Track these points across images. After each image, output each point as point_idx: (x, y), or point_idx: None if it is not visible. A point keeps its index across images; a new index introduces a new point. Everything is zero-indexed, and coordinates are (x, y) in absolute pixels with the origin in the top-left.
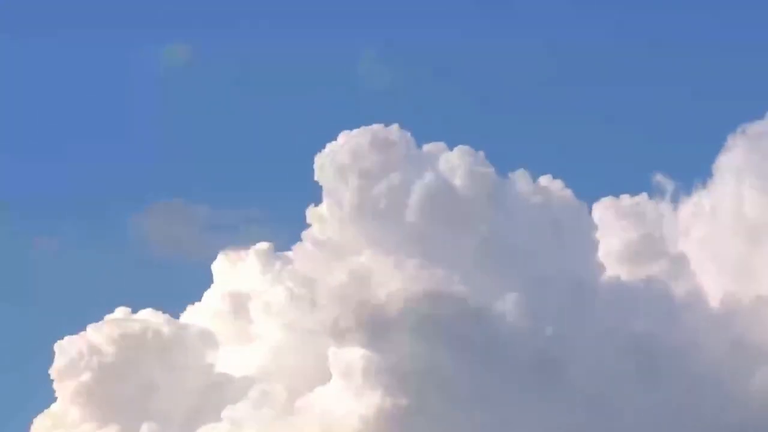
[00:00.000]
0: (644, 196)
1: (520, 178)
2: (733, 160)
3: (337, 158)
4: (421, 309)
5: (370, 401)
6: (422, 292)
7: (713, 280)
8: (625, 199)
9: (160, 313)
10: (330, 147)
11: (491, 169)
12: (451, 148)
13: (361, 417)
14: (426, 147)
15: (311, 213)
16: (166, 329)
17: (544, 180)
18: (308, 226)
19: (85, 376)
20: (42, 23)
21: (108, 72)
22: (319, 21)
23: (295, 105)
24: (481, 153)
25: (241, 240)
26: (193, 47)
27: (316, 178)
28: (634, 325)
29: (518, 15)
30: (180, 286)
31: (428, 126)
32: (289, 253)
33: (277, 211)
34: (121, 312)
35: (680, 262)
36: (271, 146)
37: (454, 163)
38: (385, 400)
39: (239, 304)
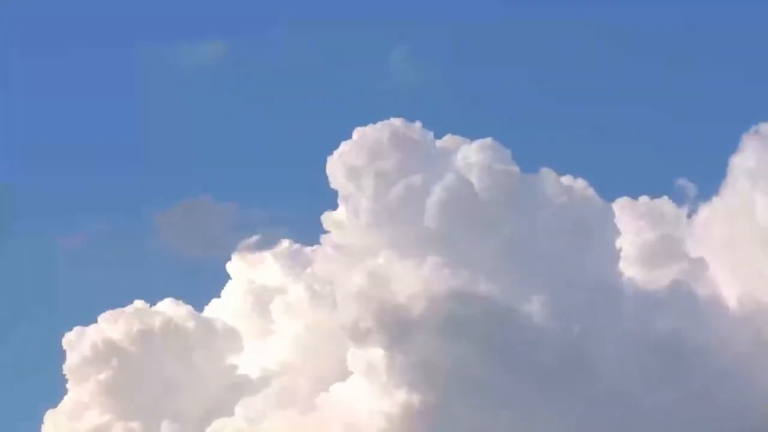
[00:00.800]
0: (665, 198)
1: (543, 177)
2: (746, 161)
3: (350, 161)
4: (444, 309)
5: (393, 400)
6: (445, 293)
7: (730, 282)
8: (644, 201)
9: (181, 302)
10: (342, 148)
11: (515, 168)
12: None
13: (386, 415)
14: (444, 141)
15: (327, 219)
16: (186, 322)
17: (566, 179)
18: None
19: (101, 370)
20: (72, 17)
21: (140, 68)
22: (351, 18)
23: (327, 103)
24: (508, 151)
25: (268, 239)
26: (225, 44)
27: (330, 184)
28: (658, 325)
29: (543, 15)
30: (205, 283)
31: (453, 124)
32: (312, 253)
33: (306, 210)
34: (139, 305)
35: (698, 263)
36: (301, 145)
37: (475, 161)
38: (411, 398)
39: (259, 303)
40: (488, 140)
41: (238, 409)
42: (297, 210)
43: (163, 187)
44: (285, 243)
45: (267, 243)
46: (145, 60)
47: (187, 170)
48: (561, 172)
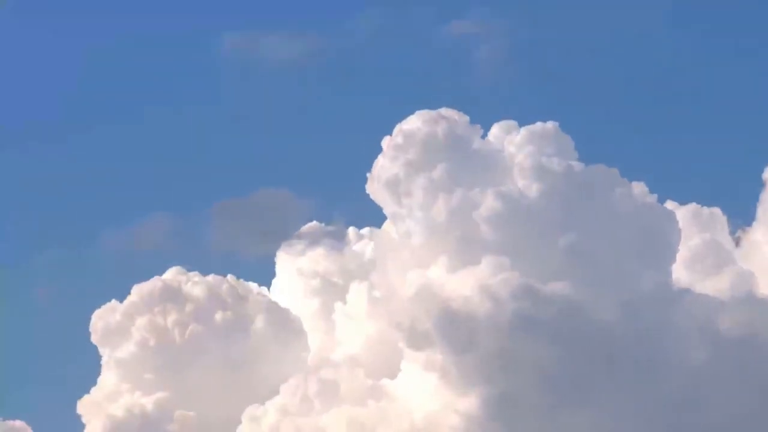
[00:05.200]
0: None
1: (604, 175)
2: None
3: (389, 174)
4: (511, 308)
5: (461, 399)
6: (511, 292)
7: None
8: (692, 207)
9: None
10: (379, 160)
11: (576, 164)
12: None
13: (458, 413)
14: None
15: (377, 238)
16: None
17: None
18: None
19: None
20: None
21: (227, 60)
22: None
23: (409, 102)
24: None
25: (334, 234)
26: (312, 38)
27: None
28: (724, 326)
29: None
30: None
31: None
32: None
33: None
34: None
35: (745, 270)
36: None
37: (533, 157)
38: (478, 397)
39: (315, 294)
40: (549, 125)
41: (279, 398)
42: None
43: (239, 179)
44: (348, 238)
45: (329, 237)
46: (232, 51)
47: (268, 163)
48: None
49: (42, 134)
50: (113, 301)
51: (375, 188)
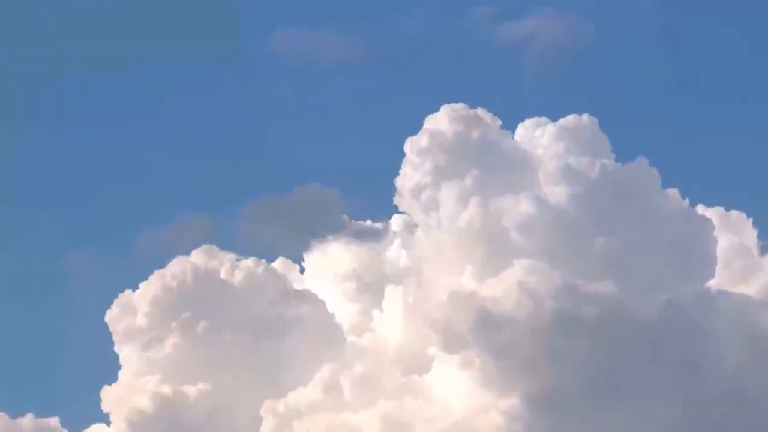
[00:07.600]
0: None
1: (643, 176)
2: None
3: (412, 181)
4: (550, 307)
5: (497, 399)
6: (550, 291)
7: None
8: (719, 210)
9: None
10: (404, 165)
11: (612, 163)
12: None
13: (499, 412)
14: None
15: (409, 248)
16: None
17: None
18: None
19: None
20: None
21: (277, 56)
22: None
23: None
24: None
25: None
26: (358, 36)
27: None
28: (760, 327)
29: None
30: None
31: None
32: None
33: None
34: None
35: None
36: None
37: (563, 159)
38: (520, 395)
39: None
40: (585, 118)
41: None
42: None
43: (279, 175)
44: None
45: (367, 235)
46: (282, 47)
47: (310, 162)
48: None
49: (80, 133)
50: (127, 291)
51: (402, 200)
